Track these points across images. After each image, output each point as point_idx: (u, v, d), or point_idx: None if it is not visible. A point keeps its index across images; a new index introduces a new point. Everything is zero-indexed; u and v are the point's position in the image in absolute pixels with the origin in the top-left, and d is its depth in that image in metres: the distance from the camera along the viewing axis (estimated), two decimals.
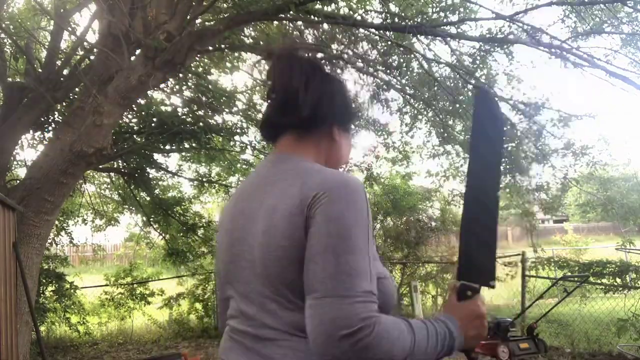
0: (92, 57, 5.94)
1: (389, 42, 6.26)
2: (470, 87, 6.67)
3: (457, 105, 6.75)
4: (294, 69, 1.09)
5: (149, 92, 6.28)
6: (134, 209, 8.62)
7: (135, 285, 8.45)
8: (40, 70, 5.57)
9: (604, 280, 5.97)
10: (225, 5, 5.98)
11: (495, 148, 1.16)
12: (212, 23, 5.71)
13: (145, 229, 9.37)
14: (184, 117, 6.49)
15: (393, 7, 6.12)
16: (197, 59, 6.80)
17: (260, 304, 0.97)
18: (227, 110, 7.06)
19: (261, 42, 6.39)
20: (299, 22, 6.20)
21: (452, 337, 0.94)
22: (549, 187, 7.76)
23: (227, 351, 1.06)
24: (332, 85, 1.15)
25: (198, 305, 8.33)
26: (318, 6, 5.39)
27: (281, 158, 1.07)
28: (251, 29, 6.91)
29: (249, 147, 8.01)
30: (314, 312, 0.85)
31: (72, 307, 7.84)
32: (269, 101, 1.13)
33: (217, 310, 0.94)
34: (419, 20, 5.47)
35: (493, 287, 1.04)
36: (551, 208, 8.09)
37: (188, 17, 4.66)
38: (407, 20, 5.54)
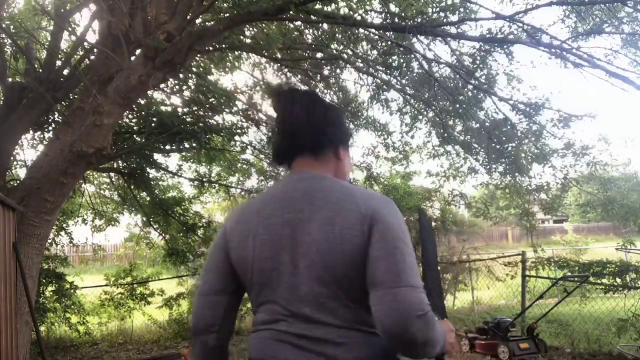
0: (92, 57, 5.94)
1: (389, 42, 6.26)
2: (470, 87, 6.67)
3: (457, 106, 6.75)
4: (296, 102, 1.29)
5: (149, 92, 6.28)
6: (133, 209, 8.62)
7: (135, 285, 8.45)
8: (40, 70, 5.57)
9: (604, 280, 5.97)
10: (225, 5, 5.98)
11: (434, 244, 1.79)
12: (212, 23, 5.70)
13: (145, 229, 9.37)
14: (184, 117, 6.48)
15: (393, 7, 6.12)
16: (197, 59, 6.80)
17: (316, 304, 1.12)
18: (227, 110, 7.06)
19: (261, 42, 6.39)
20: (299, 22, 6.21)
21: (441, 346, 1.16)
22: (549, 187, 7.76)
23: (276, 352, 1.15)
24: (334, 112, 1.35)
25: None
26: (318, 6, 5.38)
27: (308, 176, 1.25)
28: (251, 29, 6.91)
29: (249, 147, 8.01)
30: (391, 299, 1.03)
31: (72, 307, 7.85)
32: (277, 131, 1.33)
33: (196, 306, 0.99)
34: (419, 20, 5.46)
35: (442, 318, 1.35)
36: (551, 208, 8.08)
37: (188, 17, 4.66)
38: (407, 20, 5.53)
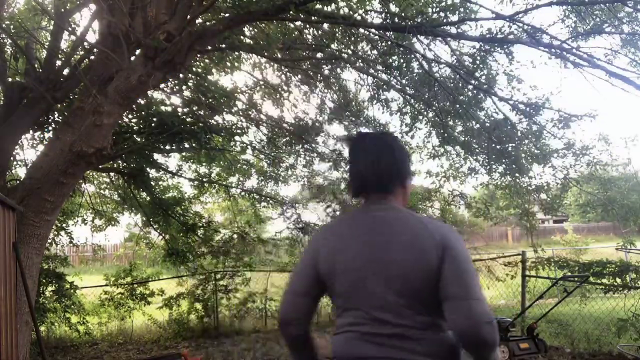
0: (92, 57, 5.94)
1: (389, 42, 6.25)
2: (470, 87, 6.67)
3: (457, 106, 6.74)
4: (368, 150, 1.56)
5: (149, 92, 6.28)
6: (133, 209, 8.61)
7: (135, 285, 8.45)
8: (40, 70, 5.56)
9: (604, 280, 5.97)
10: (225, 5, 5.98)
11: None
12: (212, 23, 5.70)
13: (145, 229, 9.36)
14: (184, 117, 6.48)
15: (393, 7, 6.11)
16: (197, 59, 6.80)
17: (396, 311, 1.39)
18: (227, 110, 7.06)
19: (261, 42, 6.38)
20: (299, 22, 6.21)
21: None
22: (549, 187, 7.76)
23: (361, 349, 1.42)
24: (400, 153, 1.61)
25: (198, 305, 8.33)
26: (318, 6, 5.38)
27: (385, 207, 1.52)
28: (251, 29, 6.90)
29: (249, 147, 8.01)
30: (466, 309, 1.32)
31: (72, 307, 7.84)
32: (353, 172, 1.60)
33: (283, 301, 1.23)
34: (419, 20, 5.46)
35: None
36: (551, 208, 8.08)
37: (188, 17, 4.66)
38: (407, 20, 5.53)
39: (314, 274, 1.53)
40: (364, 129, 8.57)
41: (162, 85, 6.15)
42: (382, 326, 1.39)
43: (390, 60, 6.52)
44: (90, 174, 8.29)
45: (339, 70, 7.55)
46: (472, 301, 1.33)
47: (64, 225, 8.17)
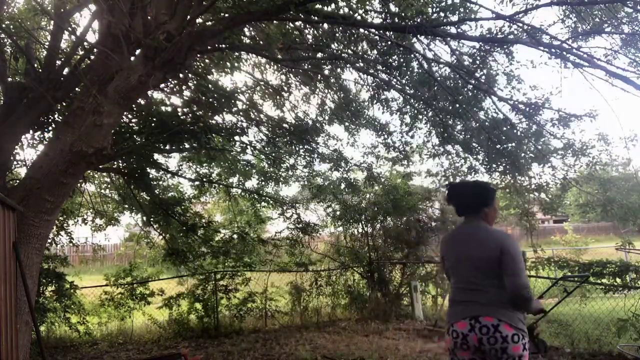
0: (92, 57, 5.93)
1: (389, 42, 6.25)
2: (470, 87, 6.66)
3: (457, 105, 6.74)
4: (464, 191, 2.89)
5: (149, 92, 6.27)
6: (134, 208, 8.61)
7: (135, 285, 8.44)
8: (40, 70, 5.56)
9: (604, 280, 5.97)
10: (225, 5, 5.98)
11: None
12: (212, 23, 5.70)
13: (145, 229, 9.36)
14: (184, 117, 6.48)
15: (393, 7, 6.11)
16: (197, 59, 6.79)
17: (473, 279, 2.59)
18: (227, 110, 7.05)
19: (261, 42, 6.38)
20: (299, 22, 6.21)
21: (536, 306, 2.60)
22: (549, 187, 7.76)
23: (458, 296, 2.67)
24: (485, 189, 2.84)
25: (198, 305, 8.33)
26: (318, 6, 5.38)
27: (476, 224, 2.72)
28: (251, 29, 6.90)
29: (249, 147, 8.01)
30: (514, 281, 2.46)
31: (72, 307, 7.84)
32: (454, 204, 2.82)
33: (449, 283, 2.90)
34: (418, 20, 5.46)
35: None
36: (551, 208, 8.08)
37: (188, 17, 4.66)
38: (407, 20, 5.53)
39: (445, 264, 2.85)
40: (364, 129, 8.60)
41: (162, 85, 6.15)
42: (467, 286, 2.63)
43: (390, 60, 6.52)
44: (90, 173, 8.29)
45: (339, 70, 7.55)
46: (516, 277, 2.48)
47: (64, 225, 8.17)
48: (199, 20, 5.60)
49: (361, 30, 6.44)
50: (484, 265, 2.55)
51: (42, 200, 4.37)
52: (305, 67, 7.36)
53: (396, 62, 6.57)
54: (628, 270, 5.98)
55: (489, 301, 2.51)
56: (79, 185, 7.52)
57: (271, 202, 9.43)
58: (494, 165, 7.58)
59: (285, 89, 8.22)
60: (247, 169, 8.87)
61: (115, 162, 6.75)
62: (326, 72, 7.67)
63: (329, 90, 8.24)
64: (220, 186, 9.08)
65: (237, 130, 7.04)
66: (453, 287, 2.72)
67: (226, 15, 5.74)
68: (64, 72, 5.68)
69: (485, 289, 2.54)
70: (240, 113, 7.40)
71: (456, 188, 2.98)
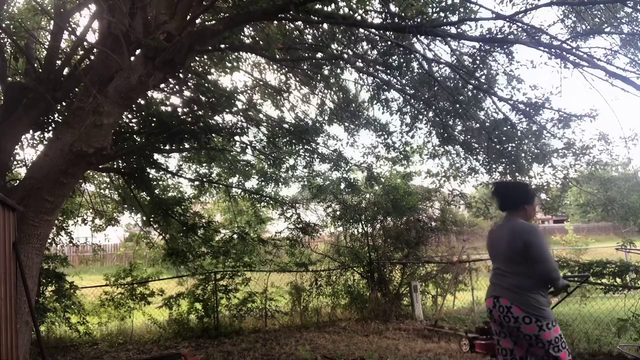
0: (92, 57, 5.94)
1: (389, 42, 6.25)
2: (470, 87, 6.66)
3: (457, 106, 6.74)
4: (506, 191, 3.35)
5: (149, 92, 6.27)
6: (134, 208, 8.61)
7: (135, 285, 8.44)
8: (40, 70, 5.56)
9: (604, 280, 5.96)
10: (225, 5, 5.98)
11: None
12: (212, 23, 5.70)
13: (145, 229, 9.36)
14: (184, 117, 6.48)
15: (393, 7, 6.11)
16: (197, 59, 6.79)
17: (505, 266, 3.09)
18: (227, 110, 7.05)
19: (261, 42, 6.38)
20: (299, 22, 6.20)
21: (564, 284, 3.03)
22: (549, 187, 7.76)
23: (496, 288, 3.11)
24: (524, 189, 3.39)
25: (198, 305, 8.32)
26: (318, 6, 5.38)
27: (511, 219, 3.14)
28: (251, 29, 6.90)
29: (249, 147, 8.00)
30: (542, 267, 2.89)
31: (72, 307, 7.84)
32: (497, 200, 3.28)
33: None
34: (418, 20, 5.46)
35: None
36: (551, 208, 8.08)
37: (188, 17, 4.66)
38: (407, 20, 5.53)
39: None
40: (364, 129, 8.59)
41: (162, 85, 6.15)
42: (497, 271, 3.15)
43: (390, 60, 6.52)
44: (90, 173, 8.29)
45: (339, 70, 7.55)
46: (543, 263, 2.88)
47: (64, 225, 8.17)
48: (198, 20, 5.60)
49: (361, 30, 6.44)
50: (510, 255, 3.01)
51: (42, 200, 4.37)
52: (305, 67, 7.36)
53: (396, 62, 6.57)
54: (628, 270, 5.97)
55: (507, 285, 3.02)
56: (79, 185, 7.52)
57: (271, 202, 9.43)
58: (494, 166, 7.59)
59: (285, 89, 8.22)
60: (247, 169, 8.87)
61: (115, 162, 6.75)
62: (326, 72, 7.67)
63: (329, 91, 8.24)
64: (220, 186, 9.08)
65: (237, 130, 7.04)
66: (492, 271, 3.32)
67: (226, 15, 5.74)
68: (64, 72, 5.68)
69: (508, 274, 3.04)
70: (240, 113, 7.40)
71: (501, 186, 3.48)
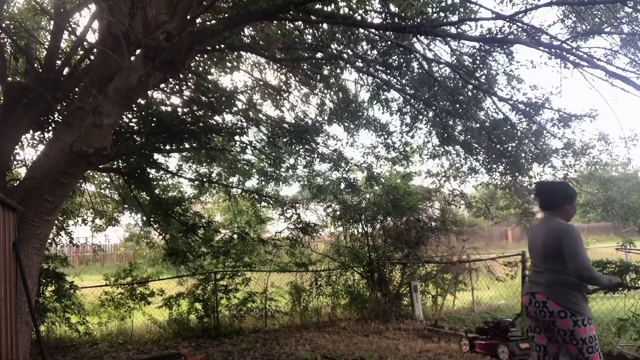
0: (92, 57, 5.93)
1: (389, 42, 6.25)
2: (470, 87, 6.66)
3: (457, 106, 6.74)
4: (546, 190, 3.41)
5: (149, 92, 6.27)
6: (134, 208, 8.61)
7: (135, 285, 8.44)
8: (40, 70, 5.56)
9: None
10: (225, 5, 5.98)
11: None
12: (212, 23, 5.70)
13: (145, 229, 9.36)
14: (184, 117, 6.48)
15: (393, 7, 6.11)
16: (197, 59, 6.79)
17: (541, 264, 3.20)
18: (227, 110, 7.05)
19: (261, 42, 6.38)
20: (299, 22, 6.20)
21: (608, 282, 3.11)
22: None
23: (533, 285, 3.23)
24: (564, 188, 3.39)
25: (198, 305, 8.32)
26: (318, 6, 5.38)
27: (550, 218, 3.20)
28: (251, 29, 6.90)
29: (249, 147, 8.00)
30: (574, 264, 2.92)
31: (72, 307, 7.84)
32: (539, 200, 3.33)
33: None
34: (418, 20, 5.46)
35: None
36: None
37: (188, 17, 4.66)
38: (407, 20, 5.53)
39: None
40: (364, 129, 8.60)
41: (162, 85, 6.15)
42: (535, 268, 3.27)
43: (390, 60, 6.52)
44: (90, 173, 8.29)
45: (338, 70, 7.55)
46: (575, 260, 2.91)
47: (64, 225, 8.17)
48: (199, 20, 5.60)
49: (361, 30, 6.44)
50: (547, 253, 3.12)
51: (42, 200, 4.37)
52: (305, 67, 7.36)
53: (396, 62, 6.57)
54: (628, 270, 5.97)
55: (544, 282, 3.13)
56: (79, 185, 7.52)
57: (271, 202, 9.43)
58: (494, 166, 7.59)
59: (285, 88, 8.22)
60: (247, 168, 8.87)
61: (115, 162, 6.75)
62: (326, 72, 7.67)
63: (329, 91, 8.24)
64: (220, 186, 9.08)
65: (237, 130, 7.04)
66: (531, 269, 3.49)
67: (226, 15, 5.74)
68: (64, 72, 5.68)
69: (545, 272, 3.14)
70: (240, 113, 7.40)
71: (542, 186, 3.63)
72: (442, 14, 5.65)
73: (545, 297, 3.06)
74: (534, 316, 3.17)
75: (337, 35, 6.80)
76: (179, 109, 6.71)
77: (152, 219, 8.31)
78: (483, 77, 6.68)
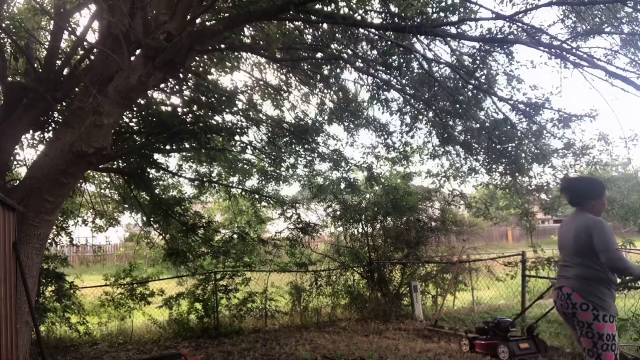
0: (92, 57, 5.93)
1: (389, 42, 6.25)
2: (470, 87, 6.66)
3: (457, 106, 6.74)
4: (572, 185, 3.43)
5: (149, 92, 6.27)
6: (134, 208, 8.61)
7: (135, 285, 8.44)
8: (40, 70, 5.56)
9: None
10: (225, 5, 5.98)
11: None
12: (212, 23, 5.70)
13: (145, 229, 9.36)
14: (184, 117, 6.48)
15: (393, 7, 6.11)
16: (197, 58, 6.79)
17: (569, 258, 3.25)
18: (227, 110, 7.05)
19: (261, 42, 6.38)
20: (299, 22, 6.20)
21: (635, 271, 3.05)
22: (549, 187, 7.75)
23: (561, 279, 3.30)
24: (591, 183, 3.39)
25: (198, 305, 8.32)
26: (318, 6, 5.38)
27: (580, 213, 3.24)
28: (251, 29, 6.90)
29: (249, 147, 8.00)
30: (606, 256, 2.95)
31: (72, 307, 7.84)
32: (566, 196, 3.41)
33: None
34: (418, 20, 5.46)
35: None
36: (551, 208, 8.08)
37: (188, 17, 4.66)
38: (407, 20, 5.53)
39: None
40: (364, 129, 8.60)
41: (162, 85, 6.15)
42: (563, 263, 3.33)
43: (390, 60, 6.52)
44: (90, 173, 8.29)
45: (338, 70, 7.55)
46: (607, 252, 2.93)
47: (64, 225, 8.17)
48: (199, 20, 5.60)
49: (361, 30, 6.44)
50: (576, 247, 3.14)
51: (42, 200, 4.37)
52: (305, 67, 7.36)
53: (396, 62, 6.57)
54: None
55: (571, 275, 3.17)
56: (79, 185, 7.52)
57: (271, 202, 9.43)
58: (494, 166, 7.59)
59: (285, 88, 8.22)
60: (247, 168, 8.87)
61: (115, 162, 6.75)
62: (326, 72, 7.67)
63: (329, 90, 8.24)
64: (220, 186, 9.08)
65: (237, 130, 7.04)
66: (560, 261, 3.53)
67: (226, 15, 5.74)
68: (64, 72, 5.68)
69: (572, 265, 3.18)
70: (240, 113, 7.40)
71: (570, 182, 3.59)
72: (442, 14, 5.65)
73: (571, 289, 3.11)
74: (561, 310, 3.23)
75: (337, 35, 6.81)
76: (179, 109, 6.71)
77: (152, 219, 8.30)
78: (483, 77, 6.68)
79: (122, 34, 4.51)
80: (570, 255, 3.21)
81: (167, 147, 6.41)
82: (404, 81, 7.15)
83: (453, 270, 9.10)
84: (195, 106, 6.61)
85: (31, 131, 6.26)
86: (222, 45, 5.98)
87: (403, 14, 5.66)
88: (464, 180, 8.57)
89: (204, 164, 8.48)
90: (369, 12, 6.17)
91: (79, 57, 6.14)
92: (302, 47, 6.74)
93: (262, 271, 9.24)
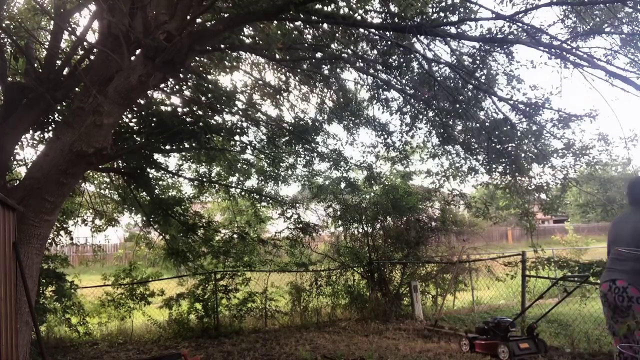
0: (92, 57, 5.93)
1: (389, 42, 6.25)
2: (470, 87, 6.66)
3: (457, 106, 6.74)
4: (637, 185, 3.61)
5: (149, 92, 6.27)
6: (134, 208, 8.61)
7: (135, 285, 8.44)
8: (40, 70, 5.56)
9: None
10: (225, 5, 5.98)
11: None
12: (212, 23, 5.70)
13: (145, 229, 9.36)
14: (184, 117, 6.48)
15: (393, 7, 6.11)
16: (197, 58, 6.79)
17: (622, 253, 3.32)
18: (227, 110, 7.05)
19: (261, 42, 6.38)
20: (299, 22, 6.20)
21: None
22: (549, 187, 7.75)
23: (614, 272, 3.40)
24: None
25: (198, 305, 8.33)
26: (318, 6, 5.38)
27: (634, 212, 3.51)
28: (251, 29, 6.90)
29: (249, 147, 8.00)
30: None
31: (72, 307, 7.84)
32: (628, 192, 3.64)
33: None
34: (418, 20, 5.46)
35: None
36: (551, 208, 8.08)
37: (188, 17, 4.66)
38: (407, 20, 5.53)
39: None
40: (364, 129, 8.58)
41: (162, 85, 6.15)
42: (615, 256, 3.37)
43: (390, 60, 6.52)
44: (90, 173, 8.29)
45: (338, 70, 7.55)
46: None
47: (64, 225, 8.17)
48: (199, 20, 5.60)
49: (361, 30, 6.44)
50: (630, 242, 3.26)
51: (42, 200, 4.37)
52: (305, 67, 7.36)
53: (396, 62, 6.57)
54: None
55: (628, 269, 3.24)
56: (79, 185, 7.52)
57: (271, 202, 9.43)
58: (494, 166, 7.58)
59: (285, 88, 8.22)
60: (246, 168, 8.87)
61: (115, 162, 6.75)
62: (326, 72, 7.67)
63: (329, 90, 8.24)
64: (220, 186, 9.08)
65: (237, 130, 7.04)
66: (609, 257, 3.55)
67: (226, 15, 5.74)
68: (64, 72, 5.68)
69: (626, 259, 3.26)
70: (240, 113, 7.40)
71: (632, 183, 3.72)
72: (442, 14, 5.65)
73: (627, 282, 3.22)
74: (612, 303, 3.32)
75: (337, 35, 6.81)
76: (179, 109, 6.71)
77: (152, 219, 8.30)
78: (483, 77, 6.68)
79: (122, 34, 4.51)
80: (623, 249, 3.35)
81: (167, 147, 6.41)
82: (404, 81, 7.15)
83: (453, 270, 9.10)
84: (195, 106, 6.61)
85: (31, 131, 6.26)
86: (222, 45, 5.98)
87: (403, 14, 5.66)
88: (464, 180, 8.58)
89: (204, 163, 8.48)
90: (369, 12, 6.18)
91: (79, 57, 6.14)
92: (302, 47, 6.74)
93: (262, 271, 9.24)
